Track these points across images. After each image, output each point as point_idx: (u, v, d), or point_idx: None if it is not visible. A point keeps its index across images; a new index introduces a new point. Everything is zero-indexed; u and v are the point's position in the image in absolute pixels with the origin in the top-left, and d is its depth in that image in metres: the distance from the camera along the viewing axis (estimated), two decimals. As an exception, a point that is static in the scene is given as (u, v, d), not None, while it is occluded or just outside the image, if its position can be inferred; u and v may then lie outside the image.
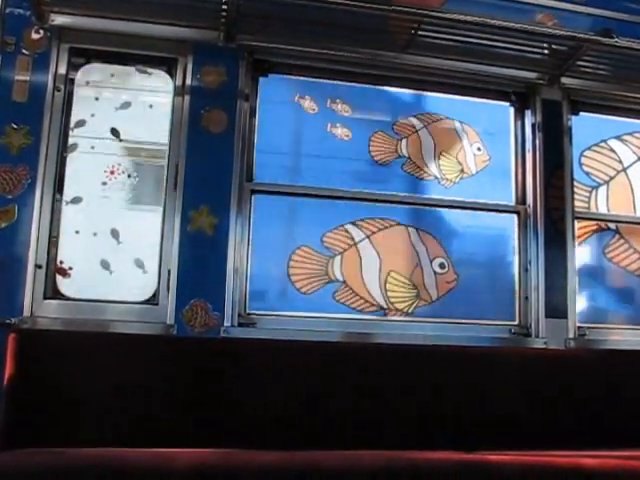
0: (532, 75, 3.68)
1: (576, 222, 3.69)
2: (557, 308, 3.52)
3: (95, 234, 3.23)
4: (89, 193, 3.25)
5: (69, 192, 3.21)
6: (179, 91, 3.33)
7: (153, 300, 3.19)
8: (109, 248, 3.23)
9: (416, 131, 3.74)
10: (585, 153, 3.89)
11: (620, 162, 3.95)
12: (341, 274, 3.50)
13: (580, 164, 3.85)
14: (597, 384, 3.27)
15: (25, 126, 3.09)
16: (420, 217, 3.65)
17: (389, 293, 3.53)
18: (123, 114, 3.34)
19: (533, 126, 3.71)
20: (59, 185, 3.17)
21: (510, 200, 3.72)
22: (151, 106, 3.38)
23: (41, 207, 3.09)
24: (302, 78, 3.61)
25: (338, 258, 3.51)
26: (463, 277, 3.62)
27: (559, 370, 3.29)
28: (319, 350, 3.11)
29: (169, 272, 3.17)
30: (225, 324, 3.17)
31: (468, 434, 3.02)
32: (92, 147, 3.30)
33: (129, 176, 3.33)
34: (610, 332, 3.66)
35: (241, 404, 2.94)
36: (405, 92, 3.76)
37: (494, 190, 3.76)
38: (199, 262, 3.18)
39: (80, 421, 2.77)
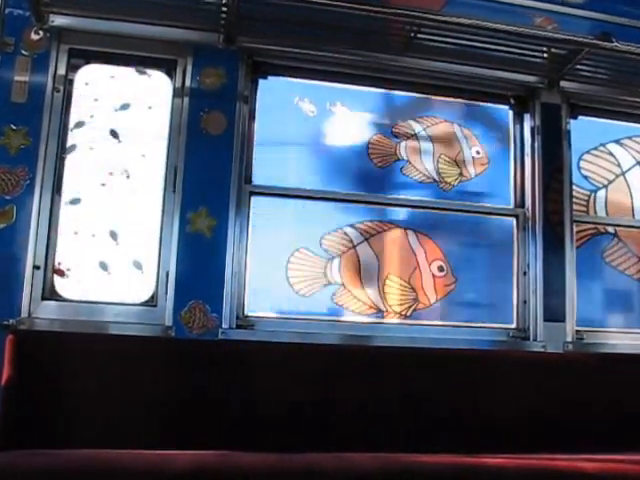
0: (531, 79, 3.68)
1: (575, 226, 3.69)
2: (555, 312, 3.52)
3: (93, 235, 3.22)
4: (88, 194, 3.25)
5: (68, 193, 3.20)
6: (178, 93, 3.33)
7: (151, 302, 3.18)
8: (107, 249, 3.22)
9: (415, 134, 3.74)
10: (584, 157, 3.89)
11: (619, 166, 3.95)
12: (339, 276, 3.50)
13: (579, 168, 3.85)
14: (595, 388, 3.26)
15: (24, 127, 3.09)
16: (419, 220, 3.65)
17: (387, 296, 3.53)
18: (122, 115, 3.34)
19: (532, 129, 3.71)
20: (58, 186, 3.17)
21: (509, 203, 3.72)
22: (150, 107, 3.38)
23: (40, 208, 3.09)
24: (301, 80, 3.60)
25: (337, 260, 3.51)
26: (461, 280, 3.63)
27: (557, 374, 3.28)
28: (317, 352, 3.10)
29: (167, 274, 3.16)
30: (223, 326, 3.17)
31: (466, 437, 3.01)
32: (91, 148, 3.29)
33: (128, 177, 3.31)
34: (608, 336, 3.66)
35: (239, 406, 2.93)
36: (404, 95, 3.76)
37: (493, 193, 3.77)
38: (197, 264, 3.17)
39: (78, 422, 2.76)
